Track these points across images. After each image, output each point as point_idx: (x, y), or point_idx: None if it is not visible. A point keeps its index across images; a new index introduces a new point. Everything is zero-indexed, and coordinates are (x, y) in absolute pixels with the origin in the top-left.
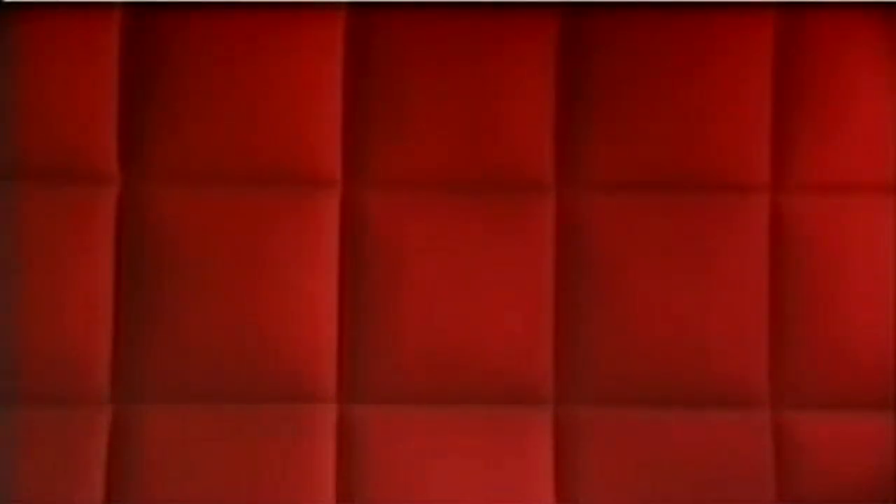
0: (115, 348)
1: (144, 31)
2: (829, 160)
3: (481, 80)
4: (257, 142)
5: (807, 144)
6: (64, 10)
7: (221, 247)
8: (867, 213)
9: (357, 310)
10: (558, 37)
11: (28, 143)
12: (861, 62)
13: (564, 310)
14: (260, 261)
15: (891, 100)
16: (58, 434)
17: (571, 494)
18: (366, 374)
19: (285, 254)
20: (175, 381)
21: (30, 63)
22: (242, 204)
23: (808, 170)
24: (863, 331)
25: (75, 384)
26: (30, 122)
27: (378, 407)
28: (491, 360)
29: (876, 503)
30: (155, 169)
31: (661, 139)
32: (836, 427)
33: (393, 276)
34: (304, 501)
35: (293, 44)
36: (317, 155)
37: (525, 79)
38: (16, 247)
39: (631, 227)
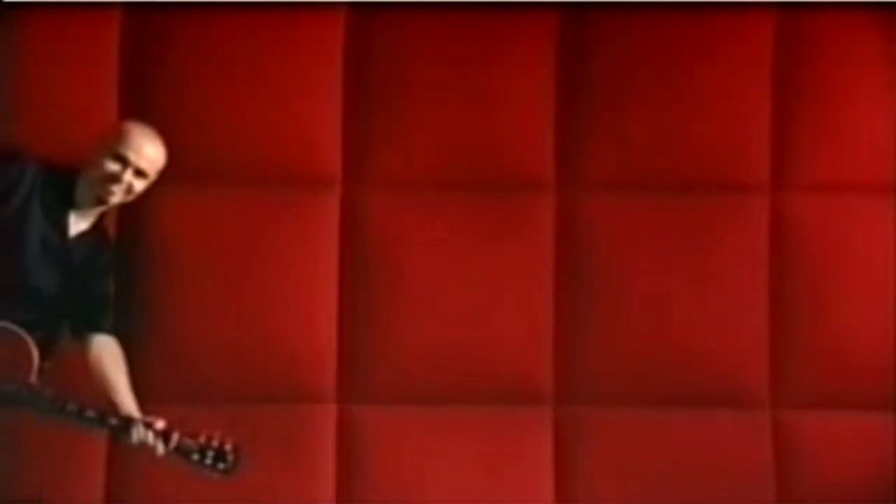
0: None
1: (144, 32)
2: (829, 160)
3: (481, 80)
4: (257, 142)
5: (807, 144)
6: (64, 10)
7: (221, 246)
8: (867, 213)
9: (357, 310)
10: (558, 37)
11: (28, 142)
12: (861, 62)
13: (564, 310)
14: (260, 261)
15: (891, 100)
16: (59, 434)
17: (571, 494)
18: (366, 374)
19: (285, 254)
20: (175, 382)
21: (30, 62)
22: (242, 204)
23: (808, 170)
24: (863, 331)
25: None
26: (30, 121)
27: (378, 407)
28: (491, 360)
29: (876, 503)
30: None
31: (661, 139)
32: (836, 427)
33: (393, 276)
34: (304, 501)
35: (293, 44)
36: (317, 155)
37: (525, 79)
38: None
39: (631, 227)
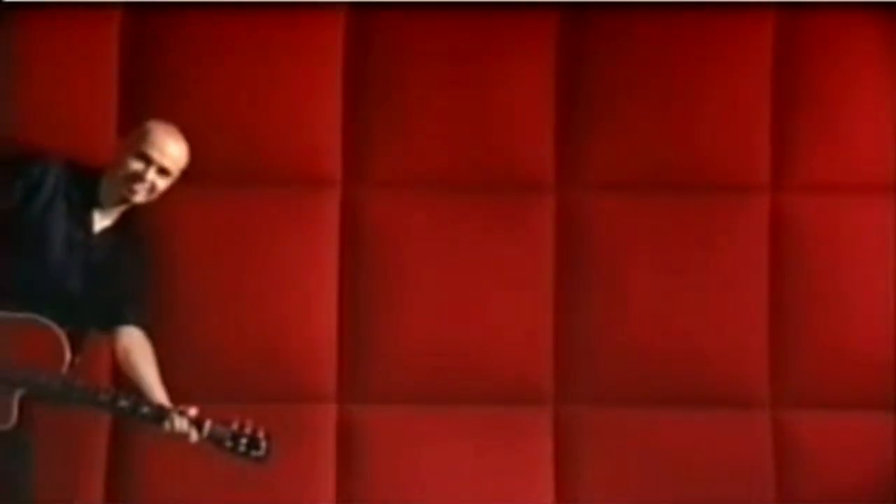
0: None
1: (144, 32)
2: (829, 160)
3: (481, 80)
4: (257, 142)
5: (807, 144)
6: (64, 10)
7: (221, 246)
8: (867, 213)
9: (357, 309)
10: (558, 37)
11: (27, 141)
12: (861, 62)
13: (564, 310)
14: (260, 261)
15: (891, 100)
16: (59, 433)
17: (571, 494)
18: (366, 374)
19: (285, 254)
20: (175, 382)
21: (30, 62)
22: (243, 204)
23: (808, 170)
24: (863, 331)
25: None
26: (30, 120)
27: (378, 407)
28: (491, 360)
29: (876, 503)
30: None
31: (661, 139)
32: (836, 427)
33: (393, 275)
34: (304, 501)
35: (293, 44)
36: (317, 155)
37: (525, 79)
38: None
39: (631, 227)
